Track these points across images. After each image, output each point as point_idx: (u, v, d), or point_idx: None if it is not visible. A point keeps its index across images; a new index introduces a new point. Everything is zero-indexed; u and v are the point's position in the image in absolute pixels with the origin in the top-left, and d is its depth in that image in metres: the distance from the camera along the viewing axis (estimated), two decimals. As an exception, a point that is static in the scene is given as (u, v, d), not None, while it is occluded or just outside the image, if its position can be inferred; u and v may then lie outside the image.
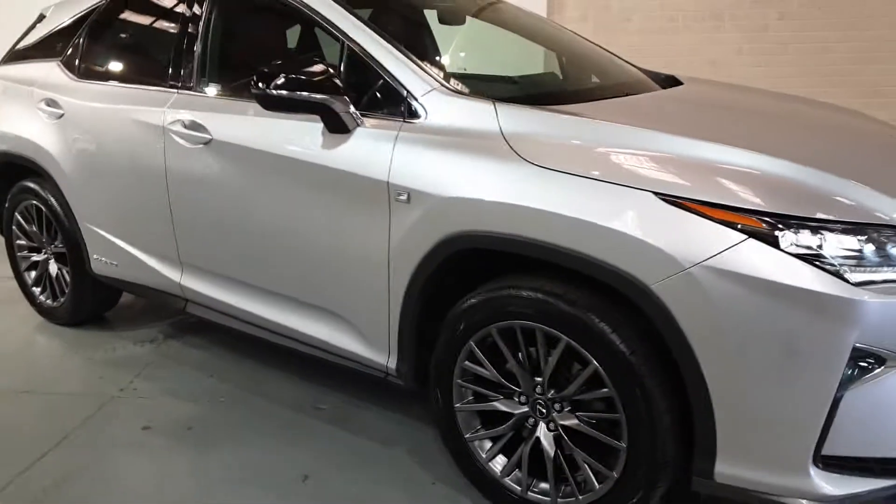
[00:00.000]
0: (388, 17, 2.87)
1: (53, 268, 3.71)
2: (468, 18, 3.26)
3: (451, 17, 3.12)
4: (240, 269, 2.78)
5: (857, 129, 2.60)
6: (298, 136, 2.45)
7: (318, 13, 2.52)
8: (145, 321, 3.83)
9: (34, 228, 3.72)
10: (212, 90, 2.89)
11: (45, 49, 3.63)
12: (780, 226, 1.71)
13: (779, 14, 7.31)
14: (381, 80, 2.34)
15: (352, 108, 2.31)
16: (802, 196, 1.77)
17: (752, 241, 1.70)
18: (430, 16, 3.25)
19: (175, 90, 2.91)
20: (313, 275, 2.53)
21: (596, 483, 2.03)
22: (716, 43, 7.67)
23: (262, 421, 2.84)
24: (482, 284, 2.17)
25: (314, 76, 2.26)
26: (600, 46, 3.28)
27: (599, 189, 1.86)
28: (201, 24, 2.89)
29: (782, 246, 1.69)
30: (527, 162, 1.98)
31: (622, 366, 1.89)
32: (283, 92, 2.25)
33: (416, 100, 2.25)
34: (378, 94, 2.34)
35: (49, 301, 3.78)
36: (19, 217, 3.75)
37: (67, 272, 3.62)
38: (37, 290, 3.83)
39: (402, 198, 2.19)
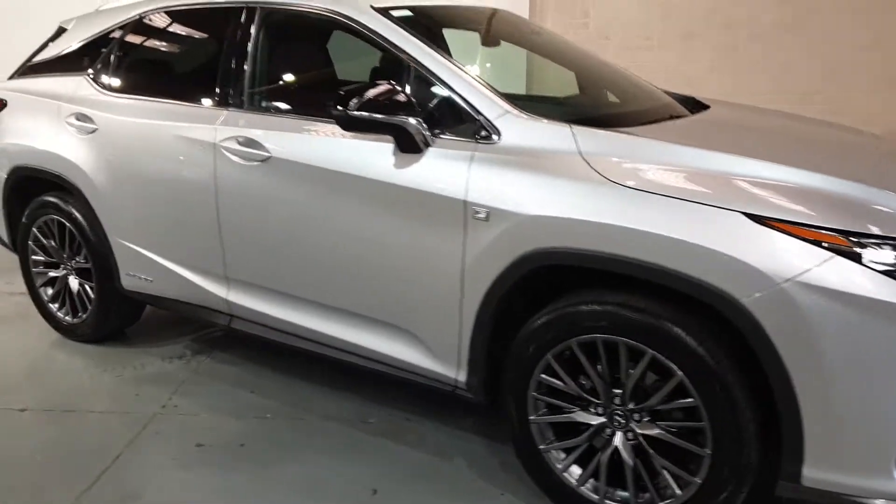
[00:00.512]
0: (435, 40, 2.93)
1: (74, 283, 3.64)
2: (503, 42, 3.35)
3: (491, 40, 3.20)
4: (297, 284, 2.80)
5: (874, 146, 2.77)
6: (367, 155, 2.49)
7: (384, 38, 2.57)
8: (167, 337, 3.79)
9: (53, 244, 3.65)
10: (267, 108, 2.90)
11: (68, 63, 3.58)
12: (861, 243, 1.84)
13: (748, 35, 7.65)
14: (452, 103, 2.40)
15: (424, 129, 2.37)
16: (876, 215, 1.92)
17: (837, 258, 1.83)
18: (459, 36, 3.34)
19: (225, 108, 2.92)
20: (380, 290, 2.58)
21: (677, 489, 2.13)
22: (690, 61, 7.96)
23: (315, 436, 2.86)
24: (550, 301, 2.25)
25: (391, 99, 2.32)
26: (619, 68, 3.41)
27: (689, 209, 1.97)
28: (251, 42, 2.90)
29: (864, 262, 1.82)
30: (612, 182, 2.08)
31: (708, 376, 1.99)
32: (364, 113, 2.30)
33: (489, 122, 2.33)
34: (448, 116, 2.41)
35: (69, 317, 3.71)
36: (37, 232, 3.67)
37: (91, 288, 3.56)
38: (54, 306, 3.76)
39: (480, 216, 2.26)
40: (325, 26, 2.88)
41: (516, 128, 2.30)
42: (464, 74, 2.43)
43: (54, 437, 2.86)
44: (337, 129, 2.56)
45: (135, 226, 3.25)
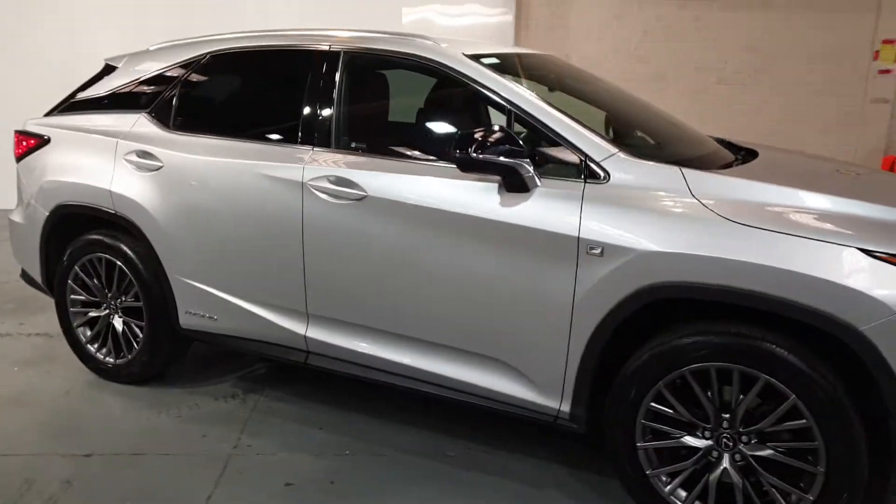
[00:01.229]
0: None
1: (118, 323, 3.58)
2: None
3: (554, 85, 3.35)
4: (390, 319, 2.85)
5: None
6: (472, 195, 2.60)
7: (481, 84, 2.72)
8: (210, 376, 3.74)
9: (96, 283, 3.58)
10: (358, 149, 2.97)
11: (122, 100, 3.56)
12: None
13: (717, 79, 8.16)
14: (556, 146, 2.55)
15: (532, 171, 2.50)
16: None
17: None
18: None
19: (310, 147, 2.97)
20: (480, 325, 2.66)
21: (789, 507, 2.28)
22: (662, 103, 8.40)
23: (401, 470, 2.89)
24: (647, 333, 2.40)
25: (504, 143, 2.45)
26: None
27: (807, 245, 2.15)
28: (337, 84, 2.98)
29: None
30: (728, 220, 2.25)
31: (823, 398, 2.16)
32: (487, 156, 2.43)
33: (596, 163, 2.48)
34: (552, 158, 2.55)
35: (110, 358, 3.63)
36: (79, 271, 3.60)
37: (139, 327, 3.50)
38: (93, 347, 3.67)
39: (595, 252, 2.39)
40: (413, 70, 2.97)
41: (624, 169, 2.45)
42: (565, 118, 2.58)
43: (136, 481, 2.80)
44: (437, 169, 2.68)
45: (200, 264, 3.24)
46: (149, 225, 3.30)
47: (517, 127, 2.66)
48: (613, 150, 2.50)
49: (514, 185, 2.52)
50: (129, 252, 3.42)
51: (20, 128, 3.85)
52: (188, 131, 3.32)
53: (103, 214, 3.45)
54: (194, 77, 3.40)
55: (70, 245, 3.60)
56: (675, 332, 2.36)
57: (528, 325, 2.57)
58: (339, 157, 2.92)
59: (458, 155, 2.47)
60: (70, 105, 3.77)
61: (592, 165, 2.48)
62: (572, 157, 2.52)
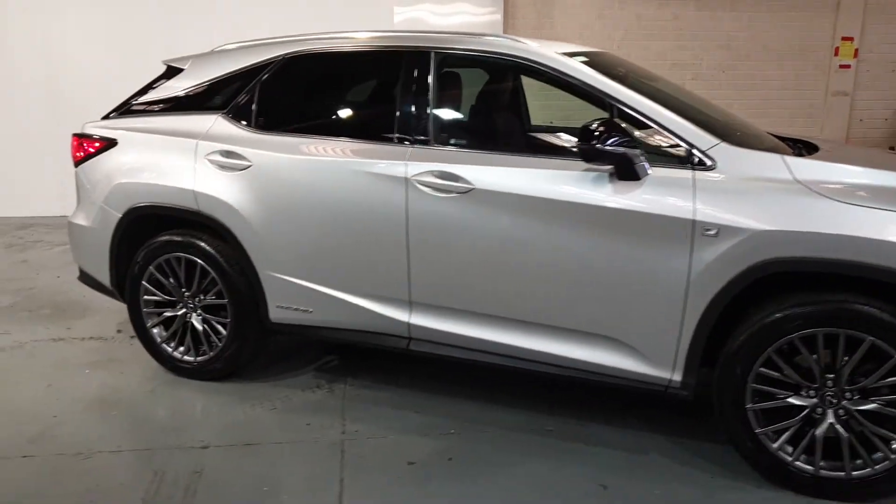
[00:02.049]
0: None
1: (197, 321, 3.63)
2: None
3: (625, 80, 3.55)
4: (497, 304, 3.02)
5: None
6: (582, 184, 2.80)
7: (582, 81, 2.92)
8: (286, 369, 3.81)
9: (172, 282, 3.63)
10: (460, 144, 3.12)
11: (192, 101, 3.62)
12: None
13: (693, 75, 8.59)
14: (664, 138, 2.78)
15: (644, 160, 2.72)
16: None
17: None
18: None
19: (409, 145, 3.12)
20: (592, 305, 2.87)
21: (891, 453, 2.57)
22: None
23: (509, 445, 3.07)
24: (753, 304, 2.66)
25: (622, 135, 2.67)
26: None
27: None
28: (432, 83, 3.13)
29: None
30: (831, 199, 2.52)
31: (923, 355, 2.46)
32: (612, 147, 2.63)
33: (702, 152, 2.72)
34: (658, 148, 2.78)
35: (189, 356, 3.68)
36: (155, 272, 3.64)
37: (221, 324, 3.57)
38: (169, 346, 3.71)
39: (710, 233, 2.63)
40: (507, 69, 3.15)
41: (729, 156, 2.70)
42: (668, 112, 2.81)
43: (262, 469, 2.90)
44: (542, 160, 2.90)
45: (294, 259, 3.34)
46: (238, 223, 3.38)
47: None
48: (717, 140, 2.75)
49: (627, 173, 2.73)
50: (211, 250, 3.48)
51: (79, 131, 3.85)
52: (274, 131, 3.41)
53: (185, 214, 3.51)
54: (273, 78, 3.48)
55: (144, 246, 3.63)
56: (783, 303, 2.61)
57: (642, 304, 2.79)
58: (440, 152, 3.08)
59: (583, 146, 2.67)
60: (132, 107, 3.80)
61: (700, 154, 2.72)
62: (679, 147, 2.75)
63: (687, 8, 8.34)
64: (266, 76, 3.48)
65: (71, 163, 3.84)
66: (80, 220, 3.83)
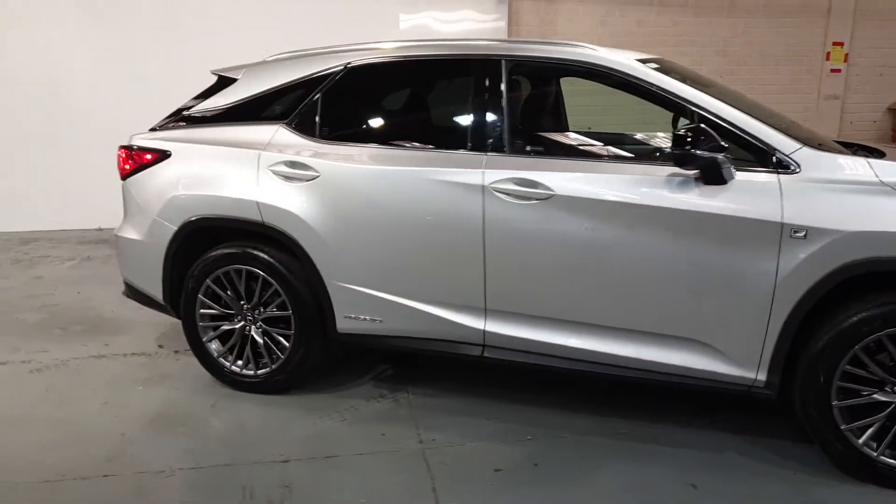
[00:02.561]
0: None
1: (257, 334, 3.59)
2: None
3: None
4: (580, 311, 3.05)
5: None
6: (668, 189, 2.84)
7: (661, 88, 2.98)
8: (340, 381, 3.78)
9: (230, 295, 3.58)
10: (533, 152, 3.15)
11: (249, 111, 3.59)
12: None
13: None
14: (745, 142, 2.84)
15: (730, 165, 2.78)
16: None
17: None
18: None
19: (482, 152, 3.13)
20: (675, 308, 2.91)
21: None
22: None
23: (588, 450, 3.10)
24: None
25: (712, 141, 2.71)
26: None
27: None
28: (503, 90, 3.15)
29: None
30: None
31: None
32: (700, 152, 2.68)
33: (786, 156, 2.78)
34: (741, 153, 2.84)
35: (249, 370, 3.63)
36: (213, 285, 3.59)
37: (283, 336, 3.54)
38: (226, 361, 3.67)
39: (798, 235, 2.69)
40: (580, 76, 3.19)
41: (813, 160, 2.77)
42: (750, 118, 2.87)
43: (350, 481, 2.88)
44: (621, 166, 2.97)
45: (365, 269, 3.33)
46: (304, 233, 3.36)
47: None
48: (799, 144, 2.81)
49: (714, 178, 2.78)
50: (274, 262, 3.45)
51: (127, 143, 3.79)
52: (339, 141, 3.40)
53: (247, 226, 3.47)
54: (336, 88, 3.46)
55: (200, 259, 3.59)
56: (871, 301, 2.68)
57: (729, 307, 2.84)
58: (517, 160, 3.10)
59: (676, 151, 2.72)
60: (182, 118, 3.75)
61: (784, 158, 2.78)
62: (762, 152, 2.81)
63: (686, 15, 8.51)
64: (328, 86, 3.47)
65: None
66: (130, 234, 3.77)
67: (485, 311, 3.21)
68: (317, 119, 3.45)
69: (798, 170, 2.77)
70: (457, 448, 3.12)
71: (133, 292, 3.90)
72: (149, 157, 3.70)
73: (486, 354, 3.26)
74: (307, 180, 3.35)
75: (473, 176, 3.10)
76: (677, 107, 2.99)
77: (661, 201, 2.86)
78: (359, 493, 2.80)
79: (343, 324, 3.43)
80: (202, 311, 3.65)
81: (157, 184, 3.66)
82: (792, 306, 2.75)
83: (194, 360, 3.74)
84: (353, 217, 3.30)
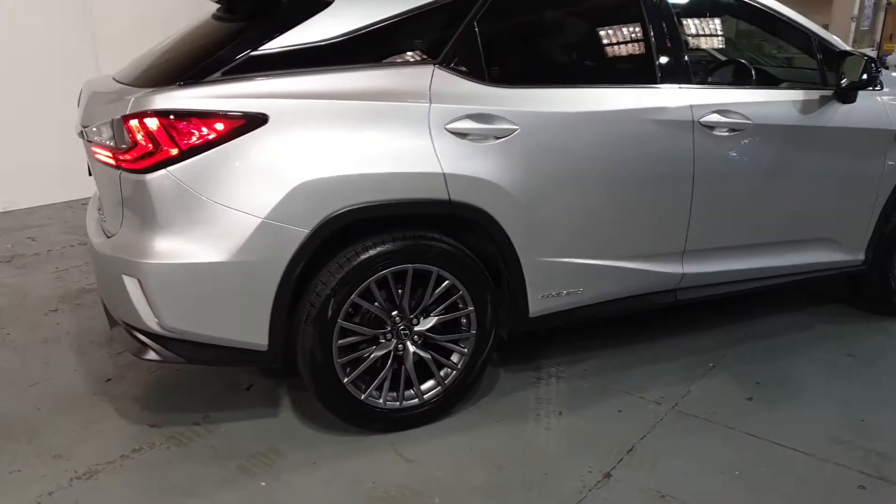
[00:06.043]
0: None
1: (421, 349, 2.72)
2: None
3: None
4: (758, 232, 3.26)
5: None
6: (824, 110, 3.23)
7: (800, 25, 3.29)
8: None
9: (379, 306, 2.62)
10: (727, 82, 3.21)
11: (369, 48, 2.53)
12: None
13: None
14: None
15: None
16: None
17: None
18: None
19: (685, 86, 2.95)
20: (825, 213, 3.38)
21: None
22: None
23: (768, 354, 3.39)
24: None
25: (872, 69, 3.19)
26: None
27: None
28: (684, 21, 3.04)
29: None
30: None
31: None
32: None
33: (879, 81, 3.42)
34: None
35: (410, 400, 2.74)
36: (361, 301, 2.55)
37: (461, 345, 2.78)
38: (378, 397, 2.69)
39: (895, 138, 3.41)
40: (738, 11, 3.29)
41: (889, 79, 3.47)
42: (847, 45, 3.40)
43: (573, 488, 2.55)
44: (790, 93, 3.23)
45: (570, 234, 2.82)
46: (503, 207, 2.64)
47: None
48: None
49: (846, 99, 3.26)
50: (456, 251, 2.64)
51: (156, 106, 2.27)
52: (518, 84, 2.70)
53: (429, 209, 2.55)
54: (493, 14, 2.68)
55: (336, 270, 2.49)
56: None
57: (850, 203, 3.43)
58: (717, 92, 3.05)
59: (865, 78, 3.16)
60: (251, 61, 2.41)
61: (879, 79, 3.41)
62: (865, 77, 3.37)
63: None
64: (482, 10, 2.66)
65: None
66: (189, 258, 2.33)
67: (682, 254, 3.11)
68: (481, 55, 2.64)
69: (881, 87, 3.44)
70: (693, 396, 3.03)
71: (188, 349, 2.45)
72: (220, 126, 2.29)
73: (678, 297, 3.18)
74: (501, 137, 2.61)
75: (684, 112, 2.92)
76: (804, 37, 3.32)
77: (829, 122, 3.24)
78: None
79: (537, 306, 2.86)
80: (340, 341, 2.55)
81: (251, 167, 2.33)
82: (887, 195, 3.49)
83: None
84: (560, 175, 2.74)
